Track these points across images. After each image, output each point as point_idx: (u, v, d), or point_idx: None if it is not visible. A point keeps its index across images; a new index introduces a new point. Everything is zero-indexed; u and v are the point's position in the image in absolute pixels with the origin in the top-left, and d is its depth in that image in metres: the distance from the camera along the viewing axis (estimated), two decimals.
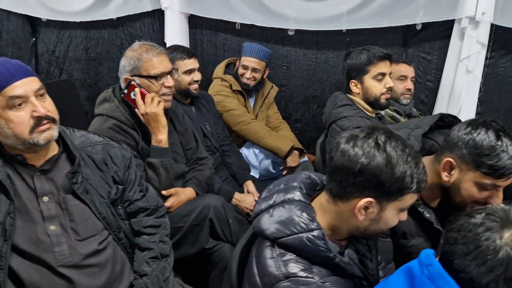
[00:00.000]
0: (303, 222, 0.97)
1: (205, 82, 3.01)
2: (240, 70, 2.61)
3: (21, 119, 1.16)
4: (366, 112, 1.97)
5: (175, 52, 2.23)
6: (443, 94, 2.58)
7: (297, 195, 1.03)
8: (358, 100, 1.98)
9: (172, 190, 1.74)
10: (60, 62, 3.40)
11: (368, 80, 1.94)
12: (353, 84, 1.98)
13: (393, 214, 0.99)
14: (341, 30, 2.68)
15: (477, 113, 2.54)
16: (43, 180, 1.25)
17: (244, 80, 2.60)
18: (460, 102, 2.49)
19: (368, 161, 0.93)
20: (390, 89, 1.96)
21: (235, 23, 2.83)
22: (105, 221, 1.33)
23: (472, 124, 1.20)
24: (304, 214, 0.98)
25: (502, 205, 0.80)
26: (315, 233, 0.96)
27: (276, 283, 0.94)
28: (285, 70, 2.92)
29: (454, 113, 2.50)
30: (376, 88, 1.93)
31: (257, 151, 2.64)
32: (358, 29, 2.63)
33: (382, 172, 0.92)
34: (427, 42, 2.62)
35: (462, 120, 2.46)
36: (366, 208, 0.97)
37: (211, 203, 1.66)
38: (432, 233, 1.30)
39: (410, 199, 0.98)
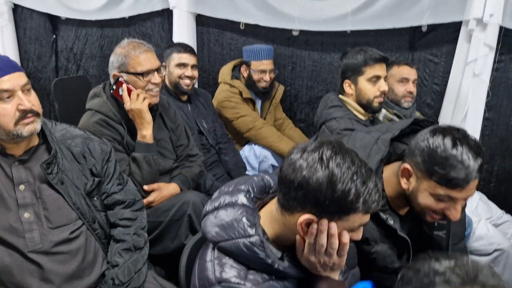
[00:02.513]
0: (241, 228, 0.95)
1: (212, 81, 3.07)
2: (257, 76, 2.60)
3: (7, 111, 1.23)
4: (357, 114, 1.93)
5: (175, 46, 2.29)
6: (449, 98, 2.50)
7: (241, 198, 1.01)
8: (349, 101, 1.95)
9: (154, 185, 1.78)
10: (77, 59, 3.53)
11: (362, 81, 1.90)
12: (346, 84, 1.94)
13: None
14: (346, 32, 2.65)
15: (484, 118, 2.44)
16: (21, 169, 1.31)
17: (263, 85, 2.61)
18: (466, 106, 2.40)
19: (309, 175, 0.88)
20: (383, 92, 1.91)
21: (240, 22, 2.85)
22: (79, 211, 1.38)
23: (432, 130, 1.15)
24: (244, 219, 0.96)
25: (477, 262, 0.69)
26: (252, 239, 0.93)
27: (209, 287, 0.94)
28: (290, 70, 2.91)
29: (460, 118, 2.44)
30: (370, 91, 1.89)
31: (258, 152, 2.65)
32: (363, 30, 2.59)
33: (322, 188, 0.87)
34: (434, 45, 2.54)
35: (468, 125, 2.40)
36: (309, 224, 0.93)
37: (190, 199, 1.69)
38: (398, 241, 1.27)
39: (358, 220, 0.92)
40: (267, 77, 2.59)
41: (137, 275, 1.44)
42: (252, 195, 1.04)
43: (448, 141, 1.09)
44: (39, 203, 1.32)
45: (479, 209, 2.31)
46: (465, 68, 2.37)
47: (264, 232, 0.98)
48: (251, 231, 0.95)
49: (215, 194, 1.08)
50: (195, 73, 2.31)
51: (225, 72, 2.69)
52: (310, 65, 2.86)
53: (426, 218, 1.21)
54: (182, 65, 2.27)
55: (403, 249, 1.30)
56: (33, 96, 1.30)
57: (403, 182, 1.20)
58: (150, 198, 1.76)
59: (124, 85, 1.74)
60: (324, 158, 0.89)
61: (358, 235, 0.98)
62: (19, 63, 3.68)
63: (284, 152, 2.54)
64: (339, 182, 0.87)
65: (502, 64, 2.39)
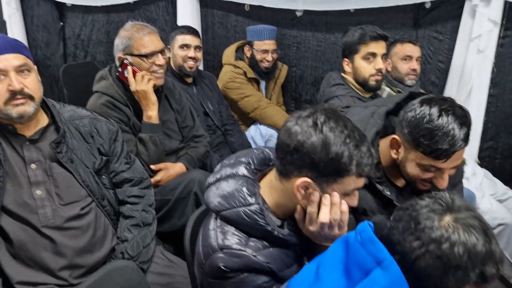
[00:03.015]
0: (242, 197, 1.00)
1: (217, 64, 3.09)
2: (260, 56, 2.63)
3: None
4: (359, 92, 1.95)
5: (179, 28, 2.32)
6: (453, 75, 2.49)
7: (241, 170, 1.05)
8: (350, 79, 1.97)
9: (161, 165, 1.83)
10: (85, 45, 3.58)
11: (358, 60, 1.92)
12: (345, 62, 1.97)
13: None
14: (350, 11, 2.64)
15: (489, 95, 2.43)
16: (31, 149, 1.36)
17: (265, 65, 2.64)
18: (470, 83, 2.40)
19: (304, 139, 0.93)
20: (380, 70, 1.91)
21: (245, 4, 2.86)
22: (89, 188, 1.43)
23: (420, 101, 1.16)
24: (244, 189, 1.01)
25: (451, 193, 0.82)
26: (253, 207, 0.98)
27: (213, 254, 0.98)
28: (295, 50, 2.92)
29: (464, 95, 2.44)
30: (365, 69, 1.90)
31: (263, 132, 2.69)
32: (367, 9, 2.58)
33: (316, 151, 0.92)
34: (438, 22, 2.52)
35: (472, 102, 2.40)
36: (306, 188, 0.97)
37: (196, 178, 1.74)
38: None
39: (352, 183, 0.96)
40: (269, 57, 2.61)
41: (145, 249, 1.49)
42: (252, 167, 1.09)
43: (434, 111, 1.10)
44: (50, 181, 1.37)
45: (483, 185, 2.33)
46: (470, 45, 2.36)
47: (264, 201, 1.03)
48: (251, 200, 1.00)
49: (217, 167, 1.12)
50: (199, 54, 2.34)
51: (228, 53, 2.71)
52: (315, 45, 2.87)
53: (418, 187, 1.24)
54: (185, 46, 2.31)
55: None
56: (31, 79, 1.32)
57: (393, 153, 1.23)
58: (157, 177, 1.81)
59: (129, 67, 1.78)
60: (318, 123, 0.94)
61: (353, 201, 1.02)
62: None
63: None
64: (332, 145, 0.92)
65: (507, 40, 2.37)
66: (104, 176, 1.51)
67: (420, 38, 2.58)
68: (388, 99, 1.37)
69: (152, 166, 1.80)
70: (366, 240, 0.78)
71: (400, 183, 1.34)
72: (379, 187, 1.25)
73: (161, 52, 1.84)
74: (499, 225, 2.11)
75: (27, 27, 3.73)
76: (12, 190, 1.32)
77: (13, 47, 1.30)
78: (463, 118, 1.11)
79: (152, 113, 1.79)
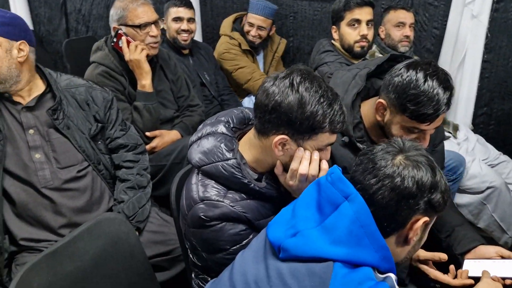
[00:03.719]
0: (220, 152, 1.07)
1: (216, 35, 3.11)
2: (246, 27, 2.65)
3: None
4: (348, 59, 1.99)
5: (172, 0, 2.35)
6: (448, 41, 2.49)
7: (220, 128, 1.12)
8: (339, 46, 2.01)
9: (156, 132, 1.91)
10: (86, 20, 3.61)
11: (343, 26, 1.96)
12: (333, 30, 2.00)
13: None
14: None
15: (483, 61, 2.44)
16: (29, 116, 1.44)
17: (250, 38, 2.66)
18: (464, 49, 2.40)
19: (281, 99, 0.99)
20: (365, 37, 1.94)
21: None
22: (85, 153, 1.51)
23: (406, 66, 1.19)
24: (222, 145, 1.08)
25: (401, 138, 0.92)
26: (230, 162, 1.05)
27: (194, 205, 1.07)
28: (292, 20, 2.93)
29: (458, 61, 2.46)
30: (350, 35, 1.94)
31: None
32: None
33: (293, 110, 0.98)
34: None
35: (466, 69, 2.41)
36: (283, 145, 1.04)
37: (189, 143, 1.80)
38: None
39: (326, 139, 1.04)
40: (254, 31, 2.62)
41: (141, 210, 1.59)
42: (231, 125, 1.16)
43: (420, 77, 1.14)
44: (48, 146, 1.46)
45: (475, 150, 2.37)
46: (464, 10, 2.36)
47: (242, 157, 1.10)
48: (229, 155, 1.07)
49: (200, 127, 1.19)
50: (192, 26, 2.37)
51: (225, 24, 2.74)
52: (311, 14, 2.88)
53: None
54: (178, 19, 2.34)
55: None
56: None
57: (378, 116, 1.28)
58: (153, 144, 1.89)
59: (124, 37, 1.83)
60: (294, 83, 1.00)
61: (327, 155, 1.09)
62: (31, 27, 3.79)
63: None
64: (308, 104, 0.98)
65: (502, 4, 2.36)
66: (99, 142, 1.59)
67: (416, 5, 2.57)
68: (370, 62, 1.41)
69: (148, 133, 1.88)
70: (335, 179, 0.87)
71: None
72: (360, 145, 1.31)
73: (155, 23, 1.88)
74: (488, 188, 2.16)
75: (29, 2, 3.77)
76: (13, 153, 1.41)
77: None
78: (446, 83, 1.16)
79: (145, 82, 1.85)
